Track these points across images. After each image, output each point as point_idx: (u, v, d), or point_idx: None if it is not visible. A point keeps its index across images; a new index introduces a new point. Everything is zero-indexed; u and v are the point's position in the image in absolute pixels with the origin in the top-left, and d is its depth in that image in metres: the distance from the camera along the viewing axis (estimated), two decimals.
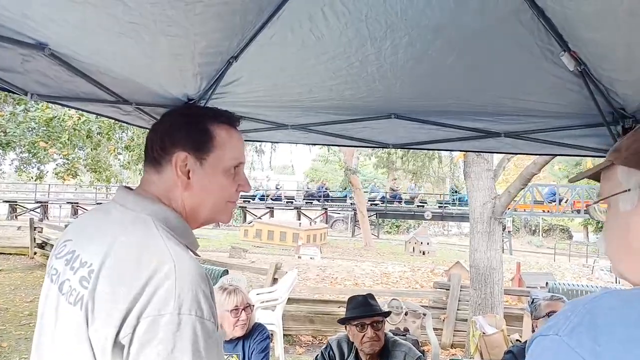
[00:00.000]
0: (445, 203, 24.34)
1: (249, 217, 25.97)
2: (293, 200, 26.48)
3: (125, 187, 1.05)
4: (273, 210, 25.82)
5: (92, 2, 1.36)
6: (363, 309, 2.43)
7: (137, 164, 11.85)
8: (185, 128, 1.04)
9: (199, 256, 1.08)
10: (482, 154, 6.01)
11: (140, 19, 1.51)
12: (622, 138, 0.76)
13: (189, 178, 1.01)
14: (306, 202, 26.09)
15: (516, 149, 3.01)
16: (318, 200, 25.38)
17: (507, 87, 2.24)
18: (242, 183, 1.09)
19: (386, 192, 25.53)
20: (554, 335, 0.63)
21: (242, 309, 2.48)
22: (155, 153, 1.03)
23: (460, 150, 5.44)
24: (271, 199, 26.02)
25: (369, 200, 24.55)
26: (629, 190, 0.70)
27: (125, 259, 0.88)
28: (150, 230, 0.93)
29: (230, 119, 1.09)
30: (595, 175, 0.78)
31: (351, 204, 24.14)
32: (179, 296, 0.83)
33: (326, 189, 26.57)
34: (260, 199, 25.99)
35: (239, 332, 2.49)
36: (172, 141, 1.02)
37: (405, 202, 24.80)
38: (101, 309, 0.85)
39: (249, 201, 26.16)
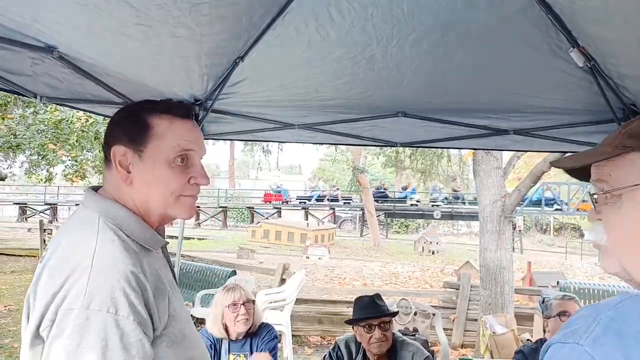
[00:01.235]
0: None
1: (256, 218, 26.00)
2: (350, 201, 26.02)
3: (91, 187, 1.07)
4: (281, 211, 25.84)
5: (98, 5, 1.37)
6: (370, 310, 2.41)
7: None
8: (123, 122, 1.03)
9: (157, 252, 1.05)
10: (491, 151, 5.96)
11: (147, 21, 1.52)
12: (633, 123, 0.69)
13: (129, 172, 1.00)
14: (299, 202, 25.97)
15: (525, 147, 2.99)
16: (377, 202, 24.93)
17: (516, 84, 2.22)
18: (196, 175, 1.03)
19: (449, 194, 24.68)
20: (574, 344, 0.58)
21: (242, 304, 2.49)
22: (104, 151, 1.05)
23: (469, 148, 5.40)
24: (327, 199, 25.73)
25: (430, 202, 24.16)
26: None
27: (60, 256, 0.90)
28: (90, 227, 0.94)
29: (170, 108, 1.04)
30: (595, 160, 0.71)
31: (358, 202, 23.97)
32: (89, 292, 0.84)
33: (385, 189, 26.12)
34: (318, 200, 25.70)
35: (241, 328, 2.50)
36: (112, 136, 1.02)
37: (469, 202, 23.67)
38: (36, 303, 0.88)
39: (304, 202, 25.93)
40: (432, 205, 23.83)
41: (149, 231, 1.01)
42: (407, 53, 1.98)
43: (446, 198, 24.45)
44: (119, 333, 0.83)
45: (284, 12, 1.77)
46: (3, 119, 9.59)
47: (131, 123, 1.02)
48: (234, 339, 2.53)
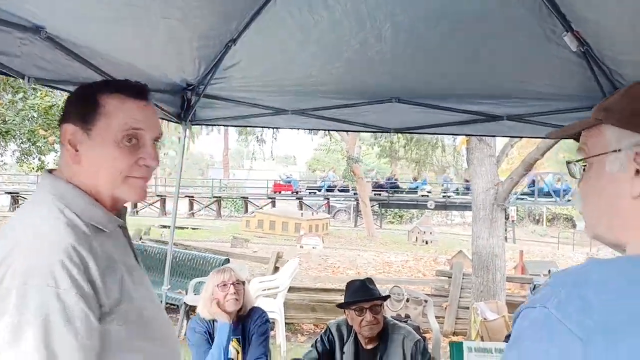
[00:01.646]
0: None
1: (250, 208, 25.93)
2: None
3: (47, 169, 1.06)
4: (275, 201, 25.78)
5: None
6: (361, 294, 2.43)
7: None
8: (74, 101, 1.03)
9: (113, 232, 1.03)
10: (484, 139, 5.98)
11: (138, 1, 1.50)
12: (611, 96, 0.72)
13: (77, 150, 0.99)
14: (309, 193, 25.63)
15: (518, 132, 2.99)
16: (387, 192, 24.15)
17: (509, 70, 2.22)
18: (145, 156, 1.01)
19: (460, 184, 24.18)
20: (541, 307, 0.61)
21: (231, 284, 2.51)
22: (59, 131, 1.04)
23: (462, 134, 5.40)
24: (338, 189, 25.10)
25: (442, 192, 23.60)
26: (620, 150, 0.67)
27: (3, 237, 0.90)
28: (38, 207, 0.94)
29: (123, 88, 1.02)
30: (577, 133, 0.75)
31: (354, 193, 23.87)
32: (27, 268, 0.83)
33: (396, 179, 25.84)
34: (328, 190, 24.96)
35: (231, 307, 2.51)
36: (64, 115, 1.02)
37: None
38: None
39: (315, 192, 25.23)
40: (443, 196, 23.39)
41: (100, 211, 1.00)
42: (401, 38, 1.97)
43: (457, 189, 24.10)
44: (61, 306, 0.83)
45: None
46: None
47: (82, 102, 1.01)
48: (225, 321, 2.54)
